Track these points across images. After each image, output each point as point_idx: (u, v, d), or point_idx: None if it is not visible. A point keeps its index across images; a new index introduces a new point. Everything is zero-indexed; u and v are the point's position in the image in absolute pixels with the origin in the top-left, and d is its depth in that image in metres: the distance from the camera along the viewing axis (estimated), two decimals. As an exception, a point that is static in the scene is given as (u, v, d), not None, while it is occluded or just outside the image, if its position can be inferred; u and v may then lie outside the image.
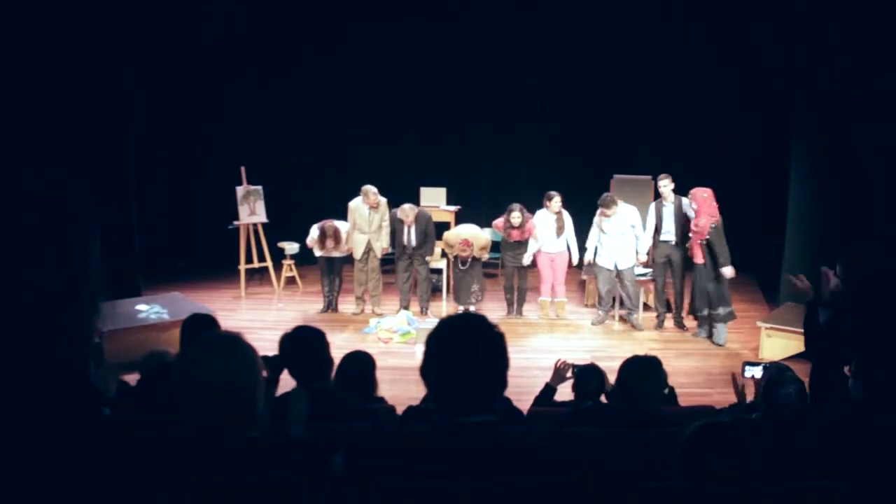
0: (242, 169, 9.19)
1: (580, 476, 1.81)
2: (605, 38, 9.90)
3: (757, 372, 3.96)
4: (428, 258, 8.40)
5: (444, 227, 8.54)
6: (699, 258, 7.42)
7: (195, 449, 1.82)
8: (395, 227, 8.30)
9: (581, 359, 4.75)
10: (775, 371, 3.48)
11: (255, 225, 9.43)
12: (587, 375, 4.02)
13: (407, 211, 8.14)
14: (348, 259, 8.50)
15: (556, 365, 4.24)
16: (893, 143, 6.58)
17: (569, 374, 4.17)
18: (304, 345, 3.11)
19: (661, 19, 9.72)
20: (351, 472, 1.83)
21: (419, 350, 7.34)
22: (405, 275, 8.41)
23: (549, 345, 7.59)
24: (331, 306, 8.65)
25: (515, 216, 8.01)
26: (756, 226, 9.76)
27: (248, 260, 9.31)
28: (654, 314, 8.21)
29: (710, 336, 7.64)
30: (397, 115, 10.39)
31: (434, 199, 9.56)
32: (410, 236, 8.24)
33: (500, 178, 8.55)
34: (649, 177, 8.88)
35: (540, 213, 8.24)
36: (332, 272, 8.51)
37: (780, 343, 7.02)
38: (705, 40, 9.66)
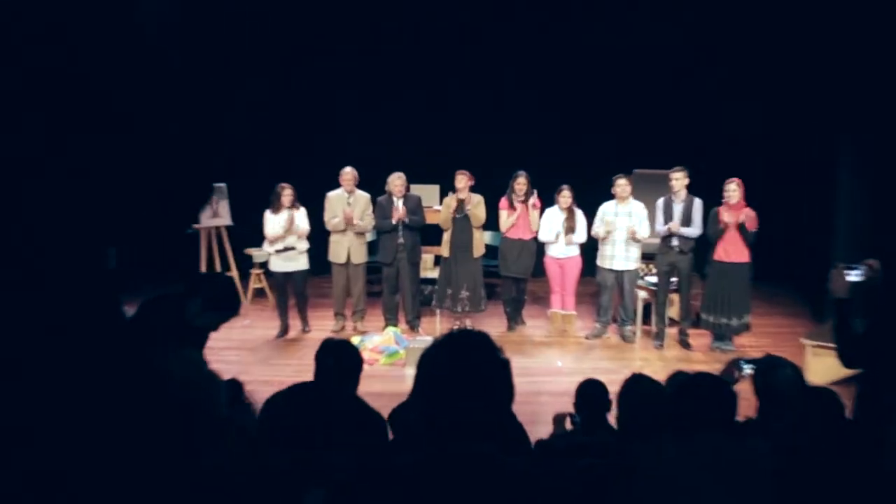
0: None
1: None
2: (627, 15, 9.97)
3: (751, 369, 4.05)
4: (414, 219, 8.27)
5: (436, 229, 8.53)
6: (741, 255, 7.65)
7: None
8: (384, 212, 8.22)
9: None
10: (766, 358, 3.63)
11: (217, 228, 9.44)
12: (589, 395, 4.04)
13: (395, 180, 8.16)
14: (312, 270, 8.41)
15: (553, 419, 4.33)
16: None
17: (568, 424, 4.22)
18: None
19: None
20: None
21: (409, 374, 7.34)
22: (393, 283, 8.42)
23: (560, 367, 7.60)
24: (288, 330, 8.46)
25: (521, 182, 8.20)
26: (800, 229, 9.83)
27: (210, 269, 9.32)
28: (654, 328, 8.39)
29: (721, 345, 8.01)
30: (384, 99, 10.44)
31: (426, 198, 9.59)
32: (399, 231, 8.23)
33: (502, 175, 8.57)
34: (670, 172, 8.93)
35: (549, 211, 8.31)
36: (296, 289, 8.32)
37: (830, 364, 6.99)
38: (741, 21, 9.74)
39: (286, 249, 8.17)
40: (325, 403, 3.51)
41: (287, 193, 8.13)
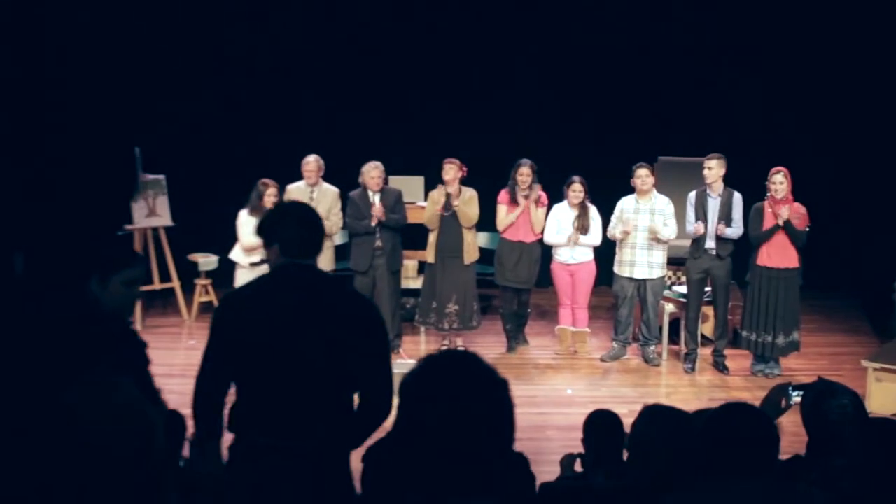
0: (136, 151, 9.18)
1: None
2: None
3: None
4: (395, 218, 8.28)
5: (419, 229, 8.52)
6: (788, 259, 7.65)
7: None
8: (358, 210, 8.18)
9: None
10: (818, 384, 3.61)
11: (155, 230, 9.39)
12: (598, 429, 4.05)
13: (371, 170, 8.10)
14: None
15: (560, 462, 4.35)
16: None
17: (578, 466, 4.24)
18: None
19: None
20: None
21: (388, 404, 7.14)
22: (368, 296, 8.39)
23: (570, 395, 7.62)
24: None
25: (524, 172, 8.21)
26: (860, 228, 9.86)
27: (147, 279, 9.28)
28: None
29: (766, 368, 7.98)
30: (359, 75, 10.40)
31: (408, 193, 9.57)
32: (376, 233, 8.19)
33: (499, 163, 8.56)
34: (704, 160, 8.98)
35: (558, 207, 8.33)
36: None
37: (896, 390, 6.99)
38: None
39: (263, 262, 8.04)
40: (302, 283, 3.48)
41: (271, 192, 8.00)
